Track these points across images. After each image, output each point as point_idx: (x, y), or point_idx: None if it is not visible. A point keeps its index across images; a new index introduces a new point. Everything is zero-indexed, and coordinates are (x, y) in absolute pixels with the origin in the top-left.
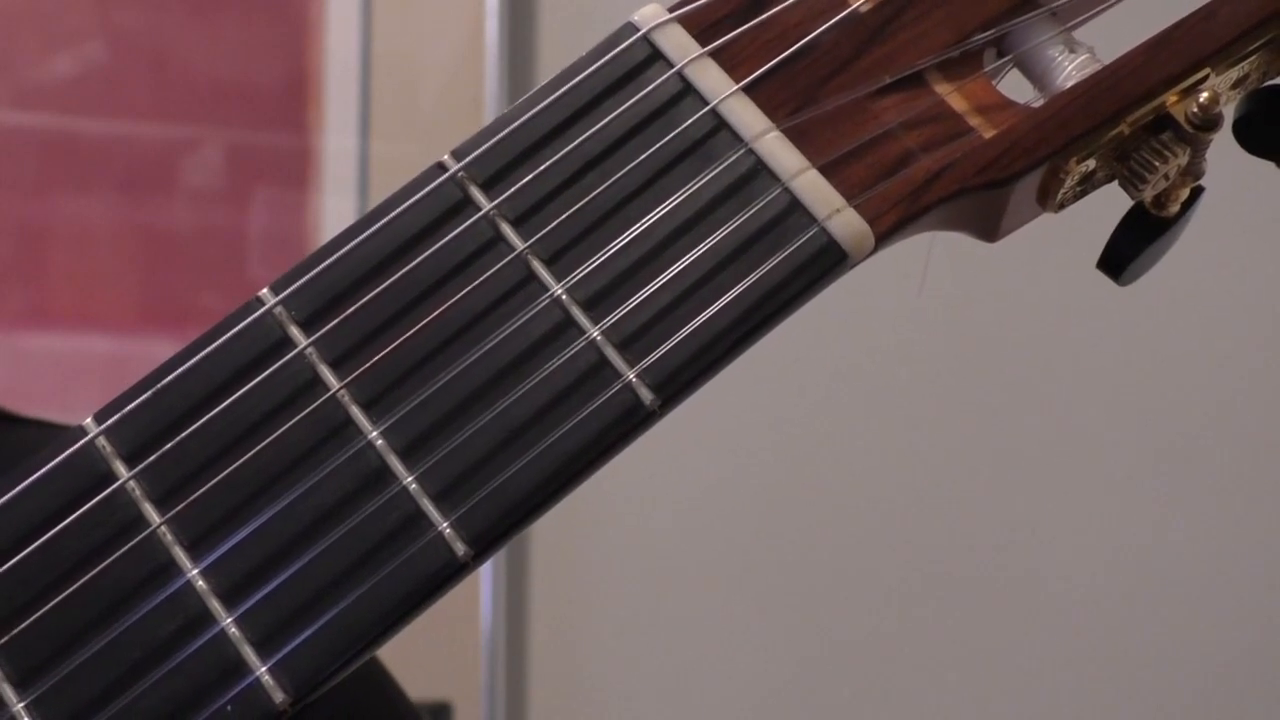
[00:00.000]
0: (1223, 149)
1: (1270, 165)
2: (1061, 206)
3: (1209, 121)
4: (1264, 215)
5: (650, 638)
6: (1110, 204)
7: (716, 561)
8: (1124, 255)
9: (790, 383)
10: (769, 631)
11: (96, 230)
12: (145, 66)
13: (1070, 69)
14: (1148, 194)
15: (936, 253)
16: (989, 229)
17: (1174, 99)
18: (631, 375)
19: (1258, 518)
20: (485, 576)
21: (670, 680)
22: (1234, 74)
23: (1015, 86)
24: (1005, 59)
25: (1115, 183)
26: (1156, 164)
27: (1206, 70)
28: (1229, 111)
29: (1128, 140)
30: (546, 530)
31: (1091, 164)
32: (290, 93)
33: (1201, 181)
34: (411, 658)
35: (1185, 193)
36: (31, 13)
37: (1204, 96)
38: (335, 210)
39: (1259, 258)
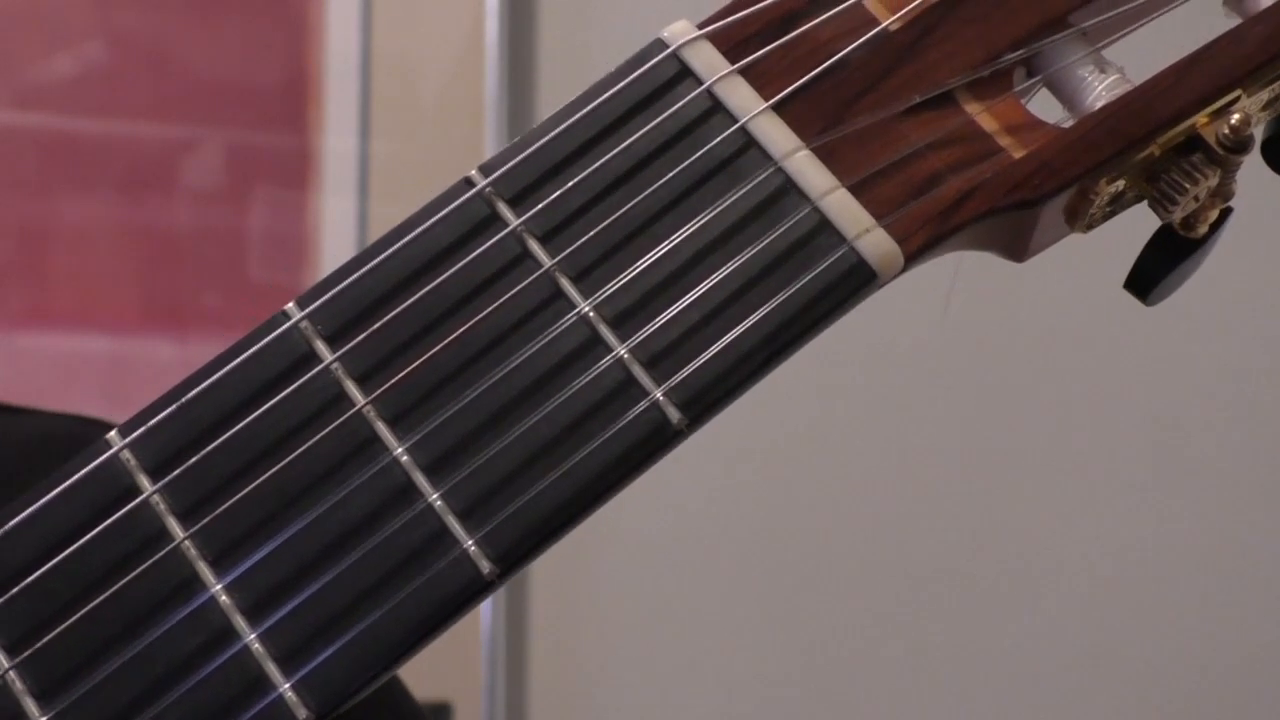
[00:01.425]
0: None
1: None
2: (1090, 227)
3: (1240, 144)
4: (1265, 216)
5: (650, 638)
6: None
7: (717, 562)
8: (1152, 276)
9: (791, 385)
10: (769, 632)
11: (96, 230)
12: (145, 66)
13: (1100, 89)
14: (1177, 215)
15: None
16: (1018, 249)
17: (1204, 120)
18: (659, 394)
19: (1258, 517)
20: None
21: (670, 680)
22: (1265, 95)
23: (1044, 106)
24: (1035, 79)
25: (1142, 202)
26: (1187, 186)
27: (1238, 92)
28: (1258, 133)
29: (1158, 161)
30: None
31: (1121, 185)
32: (290, 93)
33: (1230, 203)
34: (417, 658)
35: (1214, 214)
36: (31, 13)
37: (1235, 118)
38: (335, 210)
39: (1259, 257)
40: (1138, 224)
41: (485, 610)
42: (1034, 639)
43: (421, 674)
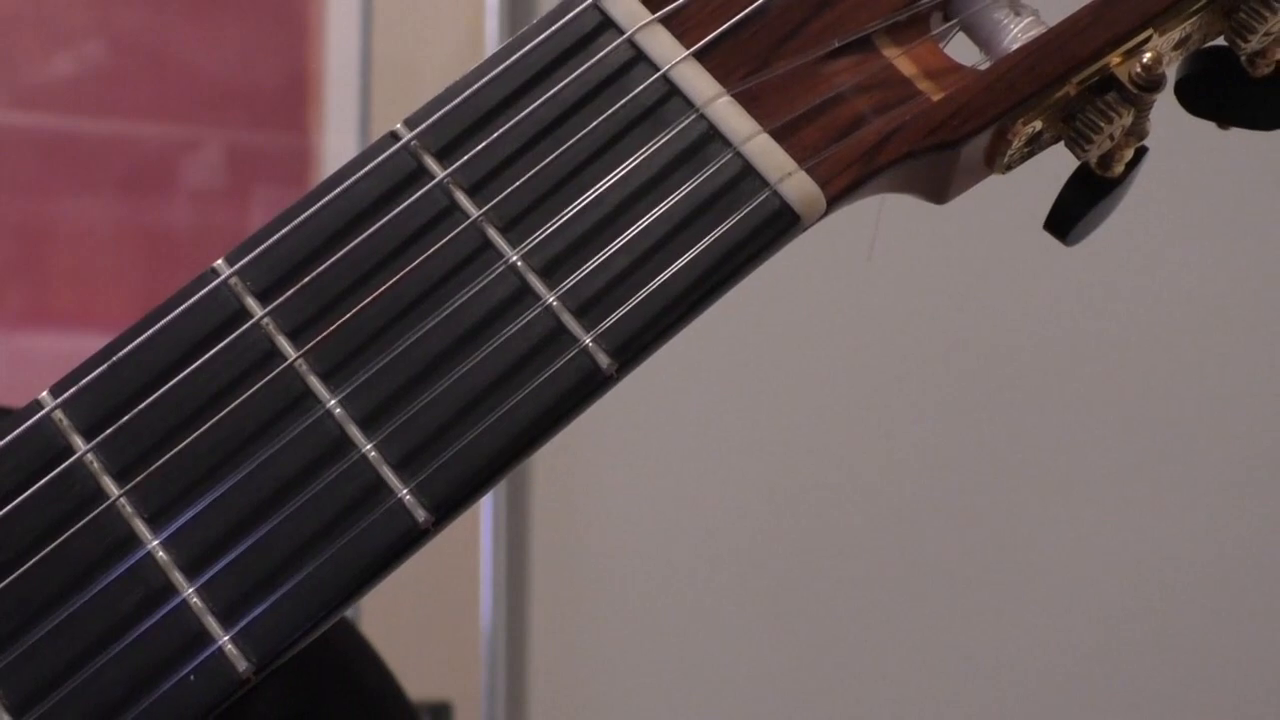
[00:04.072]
0: (1217, 137)
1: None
2: (1009, 168)
3: (1152, 82)
4: (1266, 216)
5: (650, 638)
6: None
7: (716, 562)
8: (1070, 215)
9: (789, 384)
10: (769, 631)
11: (96, 230)
12: (145, 66)
13: (1016, 31)
14: (1093, 154)
15: (948, 253)
16: (938, 191)
17: (1118, 60)
18: (588, 340)
19: (1261, 517)
20: (485, 577)
21: (670, 680)
22: (1176, 35)
23: (961, 50)
24: (951, 23)
25: (1061, 144)
26: (1102, 124)
27: (1149, 31)
28: (1171, 73)
29: (1073, 101)
30: (546, 531)
31: (1038, 125)
32: (290, 93)
33: (1145, 142)
34: (411, 658)
35: (1129, 153)
36: (31, 13)
37: (1147, 57)
38: None
39: (1261, 256)
40: (1142, 216)
41: (485, 610)
42: (1036, 641)
43: (421, 674)
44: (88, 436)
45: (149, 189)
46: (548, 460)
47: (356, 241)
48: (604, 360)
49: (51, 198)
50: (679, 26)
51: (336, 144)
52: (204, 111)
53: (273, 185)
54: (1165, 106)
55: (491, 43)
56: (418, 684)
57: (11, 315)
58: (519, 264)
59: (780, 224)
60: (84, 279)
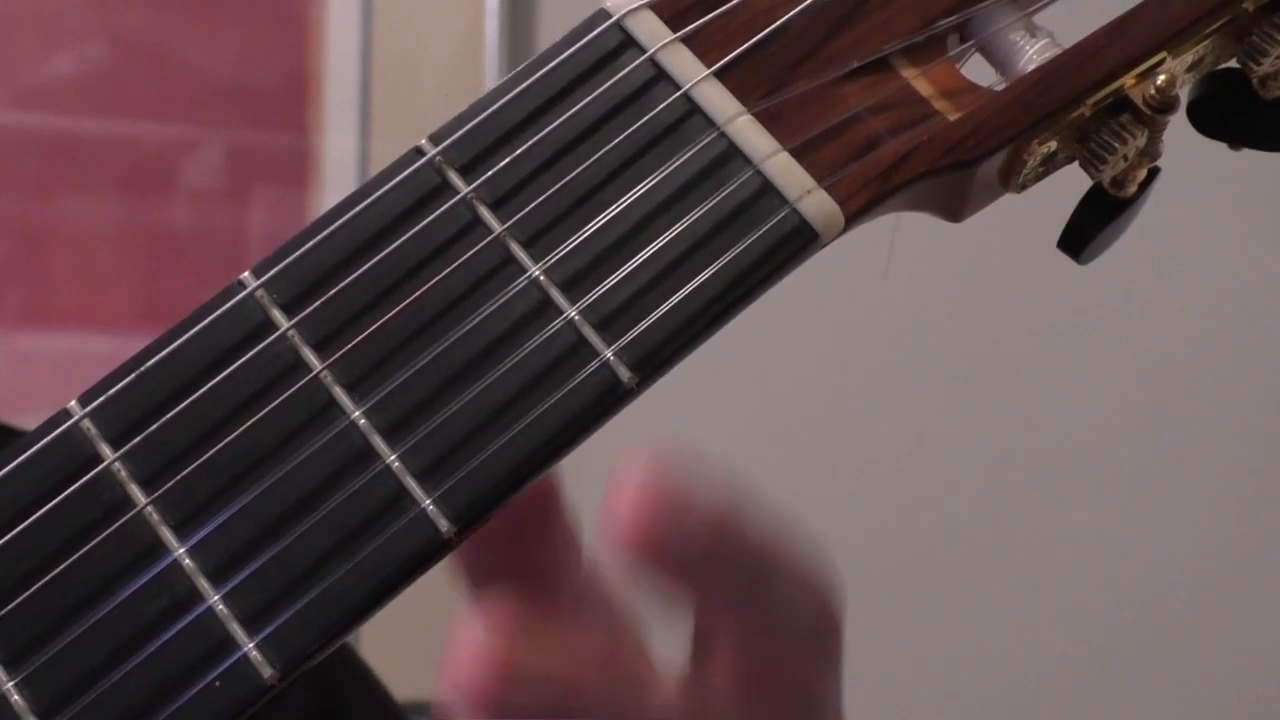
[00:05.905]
0: (1228, 158)
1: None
2: (1023, 187)
3: (1166, 104)
4: (1266, 216)
5: (649, 637)
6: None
7: None
8: (1083, 235)
9: (799, 396)
10: None
11: (96, 230)
12: (145, 66)
13: (1031, 53)
14: (1107, 175)
15: (962, 271)
16: (954, 209)
17: (1132, 82)
18: (609, 354)
19: (1260, 518)
20: None
21: None
22: (1190, 57)
23: (978, 71)
24: (968, 44)
25: (1076, 164)
26: (1116, 145)
27: (1163, 54)
28: (1185, 95)
29: (1088, 122)
30: None
31: (1053, 145)
32: (290, 93)
33: (1158, 163)
34: (411, 658)
35: (1142, 173)
36: (31, 13)
37: (1161, 79)
38: None
39: (1266, 272)
40: (1147, 222)
41: None
42: (1039, 641)
43: (421, 674)
44: (115, 445)
45: (149, 189)
46: None
47: (381, 255)
48: (625, 374)
49: (51, 198)
50: (700, 46)
51: (336, 144)
52: (204, 111)
53: (273, 185)
54: (1177, 128)
55: (491, 43)
56: (417, 684)
57: (11, 315)
58: (541, 278)
59: (799, 241)
60: (84, 279)
